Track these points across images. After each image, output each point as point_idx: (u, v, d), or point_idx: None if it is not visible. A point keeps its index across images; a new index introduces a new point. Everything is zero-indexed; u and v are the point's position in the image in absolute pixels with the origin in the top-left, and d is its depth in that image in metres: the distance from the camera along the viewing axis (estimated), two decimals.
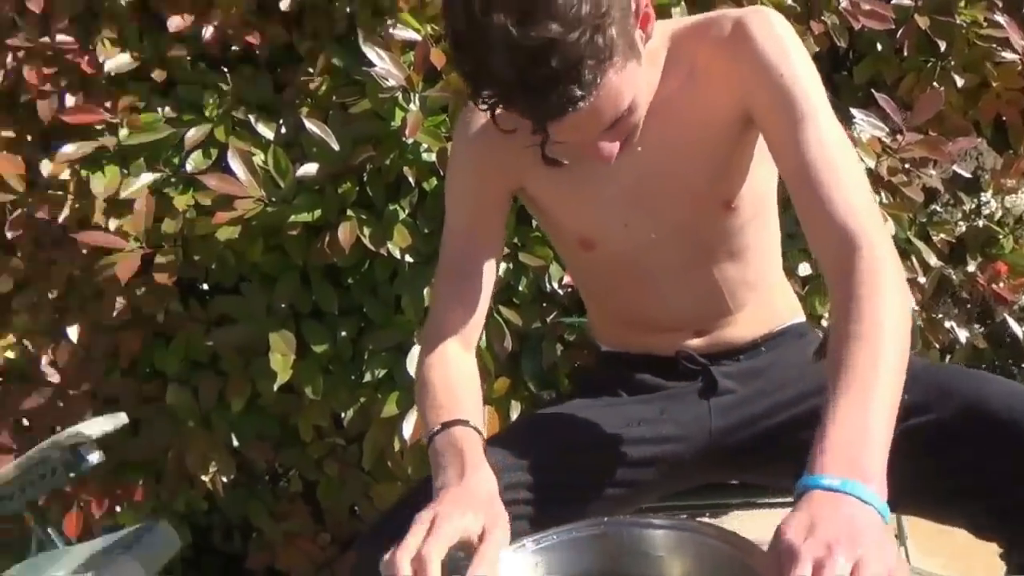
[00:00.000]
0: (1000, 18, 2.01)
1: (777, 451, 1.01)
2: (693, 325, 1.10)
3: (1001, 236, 2.13)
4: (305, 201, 1.73)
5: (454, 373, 1.00)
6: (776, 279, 1.14)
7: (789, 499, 1.16)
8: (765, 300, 1.11)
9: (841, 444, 0.70)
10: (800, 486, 0.69)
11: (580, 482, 1.04)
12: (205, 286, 1.94)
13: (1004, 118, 2.19)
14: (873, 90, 1.92)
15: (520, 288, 1.89)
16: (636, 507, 1.21)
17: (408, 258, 1.75)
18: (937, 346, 2.04)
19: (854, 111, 1.85)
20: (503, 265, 1.84)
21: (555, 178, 1.01)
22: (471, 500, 0.80)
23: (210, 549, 2.17)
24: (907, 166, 1.86)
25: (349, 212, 1.74)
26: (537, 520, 0.97)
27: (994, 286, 2.04)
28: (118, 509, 1.84)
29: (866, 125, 1.82)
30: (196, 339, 1.79)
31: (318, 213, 1.73)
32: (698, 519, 0.75)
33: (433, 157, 1.73)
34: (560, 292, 1.90)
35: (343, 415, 1.80)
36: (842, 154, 0.88)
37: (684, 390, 1.10)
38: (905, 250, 2.04)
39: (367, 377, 1.79)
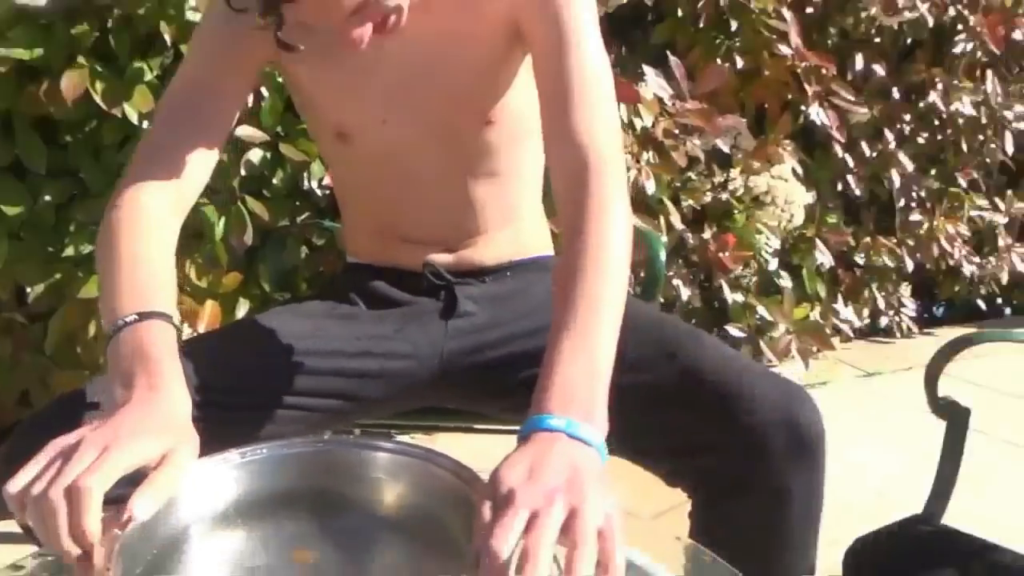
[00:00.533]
0: (787, 13, 2.13)
1: (506, 384, 0.99)
2: (443, 241, 1.07)
3: (737, 211, 2.30)
4: (23, 35, 1.45)
5: (155, 245, 0.83)
6: (532, 207, 1.12)
7: (504, 428, 1.16)
8: (517, 226, 1.10)
9: (564, 383, 0.69)
10: (525, 426, 0.67)
11: (298, 391, 0.96)
12: None
13: (766, 106, 2.34)
14: (668, 52, 1.97)
15: (275, 181, 1.74)
16: (353, 423, 1.17)
17: (146, 123, 1.54)
18: (663, 300, 2.19)
19: (646, 68, 1.88)
20: (259, 154, 1.68)
21: (313, 61, 0.91)
22: (156, 422, 0.66)
23: None
24: (677, 132, 1.93)
25: (81, 59, 1.48)
26: (243, 437, 0.88)
27: (721, 254, 2.20)
28: None
29: (655, 84, 1.85)
30: None
31: (39, 52, 1.46)
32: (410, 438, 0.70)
33: (198, 18, 1.51)
34: (318, 192, 1.77)
35: (28, 289, 1.56)
36: (597, 84, 0.88)
37: (424, 308, 1.06)
38: (655, 209, 2.14)
39: (68, 251, 1.55)
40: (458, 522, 0.65)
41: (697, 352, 0.92)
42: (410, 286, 1.08)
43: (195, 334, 1.52)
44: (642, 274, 1.46)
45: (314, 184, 1.74)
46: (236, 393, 0.91)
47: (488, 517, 0.58)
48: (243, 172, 1.65)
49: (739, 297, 2.43)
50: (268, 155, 1.67)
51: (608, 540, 0.57)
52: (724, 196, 2.29)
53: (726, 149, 2.23)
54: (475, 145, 1.01)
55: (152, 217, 0.85)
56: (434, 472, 0.71)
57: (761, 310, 2.40)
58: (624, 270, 0.79)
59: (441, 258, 1.07)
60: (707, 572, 0.79)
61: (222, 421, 0.76)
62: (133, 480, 0.62)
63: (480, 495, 0.61)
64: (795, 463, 0.85)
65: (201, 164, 0.90)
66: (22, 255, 1.54)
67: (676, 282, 2.29)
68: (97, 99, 1.46)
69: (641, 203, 2.04)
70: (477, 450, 0.66)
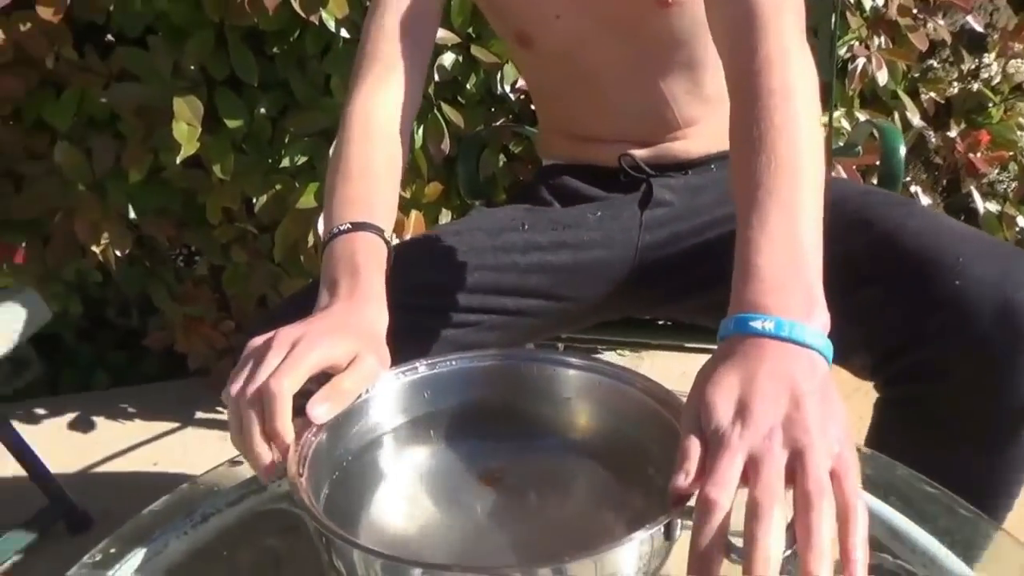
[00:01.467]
0: None
1: (704, 277, 0.89)
2: (639, 138, 1.01)
3: (992, 104, 1.98)
4: None
5: (381, 159, 0.83)
6: None
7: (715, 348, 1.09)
8: (721, 117, 0.98)
9: (767, 269, 0.56)
10: (725, 326, 0.55)
11: (495, 289, 0.93)
12: (110, 37, 1.69)
13: None
14: None
15: (468, 86, 1.69)
16: (552, 334, 1.13)
17: (344, 32, 1.53)
18: None
19: None
20: (451, 57, 1.64)
21: None
22: (349, 328, 0.64)
23: (106, 323, 2.04)
24: (916, 10, 1.67)
25: None
26: (440, 346, 0.87)
27: (971, 155, 1.91)
28: None
29: None
30: (92, 94, 1.57)
31: None
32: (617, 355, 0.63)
33: None
34: (511, 97, 1.71)
35: (255, 200, 1.62)
36: None
37: (620, 200, 1.01)
38: (888, 104, 1.89)
39: (285, 163, 1.60)
40: (655, 450, 0.58)
41: (900, 219, 0.78)
42: (606, 182, 1.03)
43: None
44: (875, 178, 1.28)
45: (507, 88, 1.68)
46: (433, 299, 0.90)
47: (693, 455, 0.50)
48: (436, 77, 1.62)
49: (993, 206, 2.10)
50: (460, 59, 1.63)
51: (844, 481, 0.47)
52: (975, 86, 1.97)
53: (978, 27, 1.91)
54: (657, 34, 0.93)
55: (382, 130, 0.85)
56: (629, 393, 0.65)
57: (1022, 220, 2.07)
58: (818, 127, 0.64)
59: (639, 152, 1.02)
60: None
61: (417, 329, 0.74)
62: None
63: (684, 425, 0.53)
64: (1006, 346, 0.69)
65: (419, 71, 0.89)
66: (246, 168, 1.60)
67: (914, 188, 2.03)
68: (295, 6, 1.46)
69: (871, 96, 1.80)
70: (690, 373, 0.56)
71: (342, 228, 0.74)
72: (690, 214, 0.98)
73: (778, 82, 0.64)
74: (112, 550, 0.63)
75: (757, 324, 0.53)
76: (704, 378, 0.53)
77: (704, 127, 1.01)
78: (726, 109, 0.99)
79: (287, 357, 0.59)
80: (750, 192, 0.60)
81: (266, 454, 0.58)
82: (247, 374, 0.59)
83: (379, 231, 0.75)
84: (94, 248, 1.63)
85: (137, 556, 0.63)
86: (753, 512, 0.45)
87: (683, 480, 0.49)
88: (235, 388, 0.59)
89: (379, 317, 0.69)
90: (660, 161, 1.01)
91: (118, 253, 1.65)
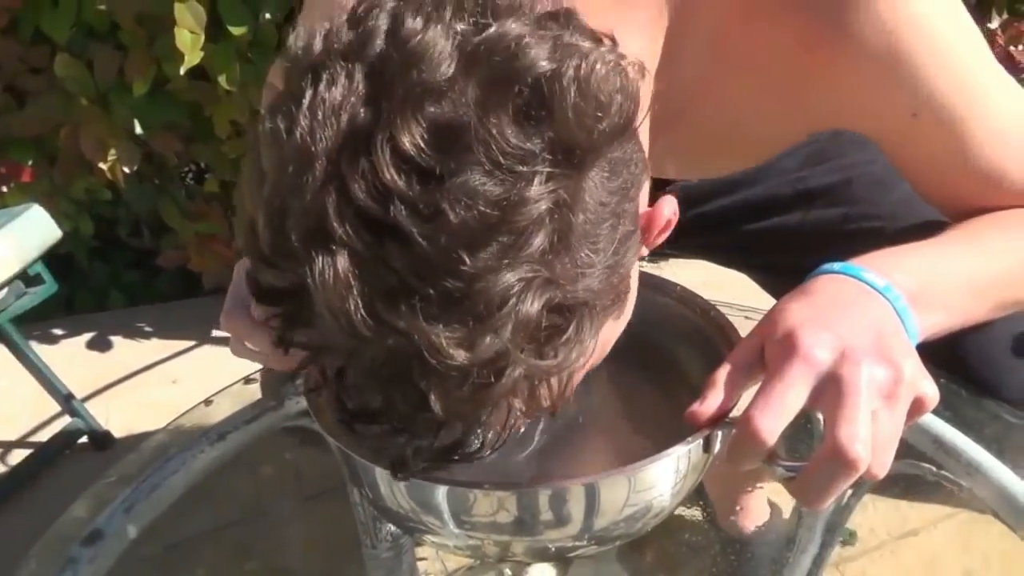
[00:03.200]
0: None
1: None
2: None
3: None
4: None
5: None
6: None
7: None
8: None
9: (904, 259, 0.51)
10: (828, 267, 0.51)
11: None
12: None
13: None
14: None
15: None
16: None
17: None
18: None
19: None
20: None
21: None
22: None
23: (119, 244, 2.02)
24: None
25: None
26: None
27: (1011, 48, 1.82)
28: (4, 189, 1.64)
29: None
30: (90, 1, 1.50)
31: None
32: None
33: None
34: None
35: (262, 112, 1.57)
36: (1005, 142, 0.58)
37: None
38: None
39: None
40: (694, 364, 0.55)
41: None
42: None
43: None
44: None
45: None
46: None
47: (719, 383, 0.46)
48: None
49: None
50: None
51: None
52: None
53: None
54: None
55: None
56: (659, 301, 0.61)
57: None
58: None
59: None
60: None
61: None
62: None
63: (740, 344, 0.49)
64: None
65: None
66: (253, 78, 1.54)
67: None
68: None
69: None
70: (712, 283, 0.52)
71: None
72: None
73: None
74: (132, 468, 0.62)
75: (868, 276, 0.48)
76: (791, 320, 0.47)
77: None
78: None
79: None
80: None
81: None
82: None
83: None
84: (101, 165, 1.59)
85: (157, 474, 0.62)
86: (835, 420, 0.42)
87: (698, 406, 0.46)
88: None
89: None
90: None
91: (126, 170, 1.61)
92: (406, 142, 0.33)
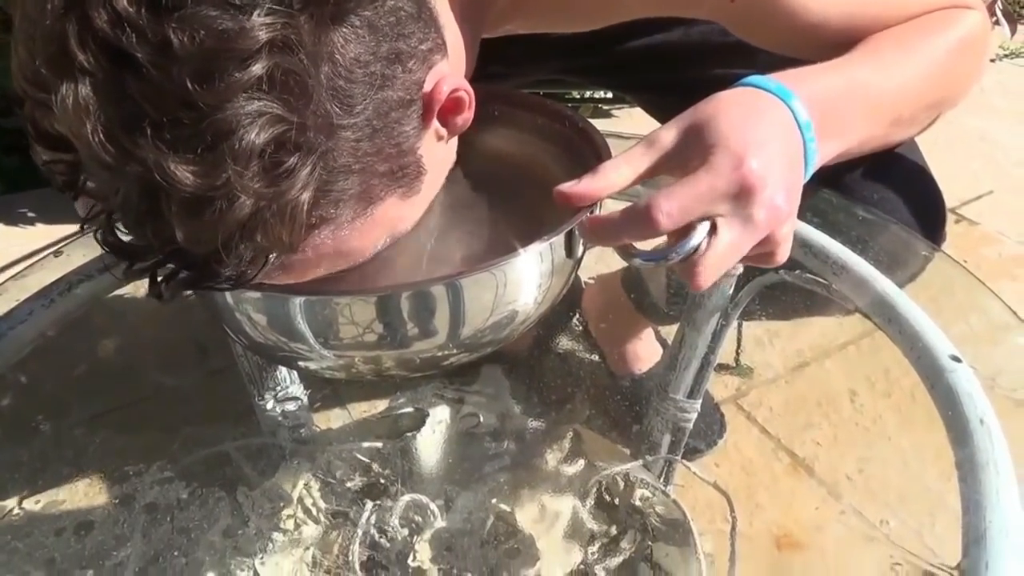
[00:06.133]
0: None
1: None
2: None
3: None
4: None
5: None
6: None
7: None
8: None
9: (802, 73, 0.50)
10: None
11: None
12: None
13: None
14: None
15: None
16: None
17: None
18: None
19: None
20: None
21: None
22: None
23: None
24: None
25: None
26: None
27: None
28: None
29: None
30: None
31: None
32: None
33: None
34: None
35: None
36: None
37: None
38: None
39: None
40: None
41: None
42: None
43: None
44: None
45: None
46: None
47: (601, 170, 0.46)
48: None
49: None
50: None
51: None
52: None
53: None
54: None
55: None
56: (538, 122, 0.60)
57: None
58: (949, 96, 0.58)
59: None
60: None
61: None
62: None
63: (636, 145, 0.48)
64: None
65: None
66: None
67: None
68: None
69: None
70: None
71: None
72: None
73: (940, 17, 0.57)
74: None
75: (795, 104, 0.47)
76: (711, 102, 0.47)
77: None
78: None
79: None
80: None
81: None
82: None
83: None
84: None
85: (2, 324, 0.58)
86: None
87: (568, 185, 0.46)
88: None
89: None
90: None
91: None
92: None
